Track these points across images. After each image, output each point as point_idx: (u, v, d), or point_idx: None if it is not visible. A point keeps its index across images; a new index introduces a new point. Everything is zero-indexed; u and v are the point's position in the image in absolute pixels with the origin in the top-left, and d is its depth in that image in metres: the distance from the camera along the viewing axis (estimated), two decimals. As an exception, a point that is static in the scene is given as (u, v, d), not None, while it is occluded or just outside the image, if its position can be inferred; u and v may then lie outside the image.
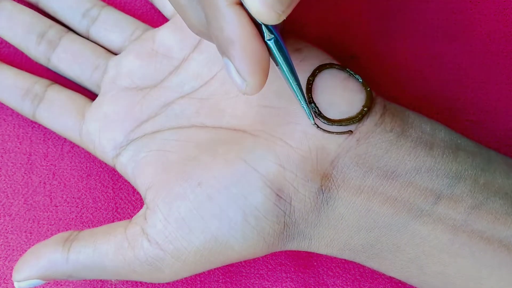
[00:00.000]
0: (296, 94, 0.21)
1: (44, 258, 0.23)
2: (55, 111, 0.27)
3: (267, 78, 0.18)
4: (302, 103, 0.21)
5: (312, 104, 0.23)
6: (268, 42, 0.19)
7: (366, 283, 0.27)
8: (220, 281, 0.27)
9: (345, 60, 0.24)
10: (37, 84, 0.28)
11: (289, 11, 0.17)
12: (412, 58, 0.30)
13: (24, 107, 0.27)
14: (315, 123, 0.22)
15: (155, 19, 0.31)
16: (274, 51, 0.19)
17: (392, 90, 0.29)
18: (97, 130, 0.26)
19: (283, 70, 0.20)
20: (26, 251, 0.27)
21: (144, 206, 0.24)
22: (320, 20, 0.30)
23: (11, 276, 0.27)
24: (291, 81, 0.21)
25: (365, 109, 0.22)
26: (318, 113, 0.22)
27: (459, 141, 0.23)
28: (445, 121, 0.29)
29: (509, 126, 0.29)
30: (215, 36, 0.18)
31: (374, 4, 0.31)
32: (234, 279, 0.27)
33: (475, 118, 0.29)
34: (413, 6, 0.31)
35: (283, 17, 0.17)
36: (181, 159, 0.23)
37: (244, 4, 0.17)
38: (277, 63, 0.20)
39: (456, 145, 0.23)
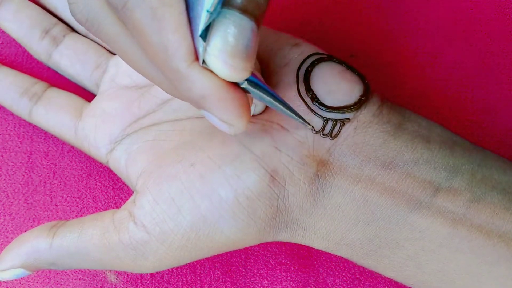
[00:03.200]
0: (291, 116, 0.21)
1: (28, 244, 0.22)
2: (53, 108, 0.27)
3: (250, 114, 0.18)
4: (299, 121, 0.21)
5: (310, 92, 0.22)
6: (242, 86, 0.18)
7: (366, 282, 0.27)
8: (220, 280, 0.27)
9: (345, 59, 0.24)
10: (37, 84, 0.28)
11: (252, 64, 0.17)
12: (412, 57, 0.30)
13: (20, 105, 0.27)
14: (312, 128, 0.22)
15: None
16: (252, 91, 0.18)
17: (392, 89, 0.29)
18: (94, 125, 0.26)
19: (267, 102, 0.19)
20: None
21: (134, 192, 0.23)
22: (320, 19, 0.30)
23: (11, 275, 0.27)
24: (279, 108, 0.20)
25: (363, 98, 0.22)
26: (315, 99, 0.22)
27: (455, 138, 0.23)
28: (444, 120, 0.29)
29: (509, 126, 0.29)
30: (185, 96, 0.18)
31: (374, 3, 0.31)
32: (234, 279, 0.27)
33: (475, 118, 0.29)
34: (413, 5, 0.31)
35: (249, 71, 0.17)
36: (176, 145, 0.23)
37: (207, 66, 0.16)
38: (259, 98, 0.19)
39: (452, 141, 0.23)
